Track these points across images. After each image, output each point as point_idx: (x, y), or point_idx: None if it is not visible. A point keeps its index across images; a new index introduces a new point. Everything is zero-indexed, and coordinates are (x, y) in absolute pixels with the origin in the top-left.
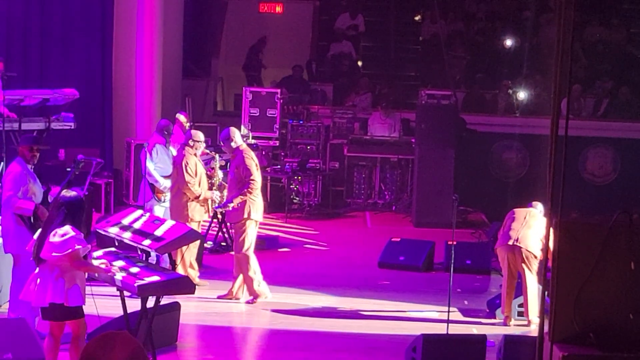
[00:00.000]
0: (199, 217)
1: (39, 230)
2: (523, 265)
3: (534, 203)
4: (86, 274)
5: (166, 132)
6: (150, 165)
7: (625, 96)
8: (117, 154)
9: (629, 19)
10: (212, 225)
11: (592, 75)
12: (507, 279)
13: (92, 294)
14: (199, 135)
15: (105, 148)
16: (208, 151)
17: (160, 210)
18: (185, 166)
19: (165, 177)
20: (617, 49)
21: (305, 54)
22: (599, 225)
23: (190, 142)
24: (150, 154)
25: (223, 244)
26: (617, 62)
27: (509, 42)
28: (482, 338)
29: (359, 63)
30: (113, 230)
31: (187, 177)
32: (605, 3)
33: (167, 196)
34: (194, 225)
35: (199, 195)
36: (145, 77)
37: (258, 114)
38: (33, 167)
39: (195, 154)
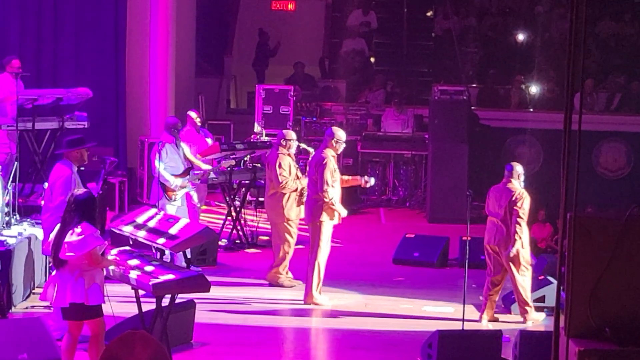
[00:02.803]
0: (294, 216)
1: (55, 231)
2: (507, 262)
3: (513, 165)
4: (104, 271)
5: (175, 130)
6: (160, 165)
7: (638, 90)
8: (131, 152)
9: None
10: (227, 222)
11: (604, 70)
12: (494, 275)
13: (108, 295)
14: (291, 134)
15: (119, 147)
16: (304, 145)
17: (172, 209)
18: (279, 165)
19: (177, 175)
20: (630, 43)
21: (318, 51)
22: (613, 219)
23: (283, 142)
24: (160, 154)
25: (237, 241)
26: (629, 56)
27: (521, 37)
28: (498, 333)
29: (372, 59)
30: (127, 229)
31: (280, 178)
32: None
33: (179, 195)
34: (291, 225)
35: (297, 189)
36: (158, 75)
37: (271, 111)
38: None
39: (288, 154)
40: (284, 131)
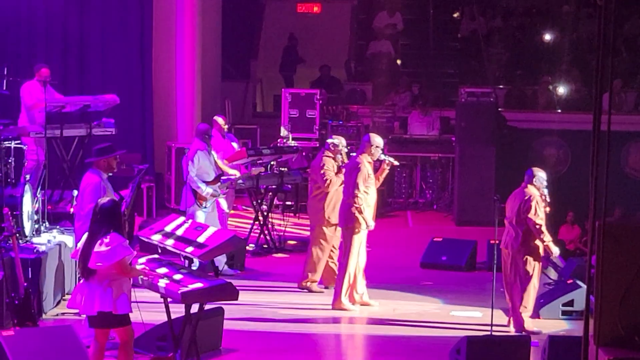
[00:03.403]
0: (335, 220)
1: (83, 241)
2: (514, 265)
3: (534, 170)
4: (131, 280)
5: (207, 137)
6: (191, 172)
7: None
8: (158, 158)
9: None
10: (254, 227)
11: (632, 70)
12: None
13: (137, 301)
14: (340, 141)
15: (147, 152)
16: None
17: (202, 215)
18: (322, 167)
19: (208, 182)
20: None
21: (344, 53)
22: None
23: (331, 147)
24: (192, 161)
25: (265, 246)
26: None
27: (548, 38)
28: (527, 339)
29: (398, 62)
30: (156, 238)
31: (324, 173)
32: None
33: (209, 202)
34: (330, 229)
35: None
36: (184, 80)
37: (297, 115)
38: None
39: (334, 159)
40: (334, 137)
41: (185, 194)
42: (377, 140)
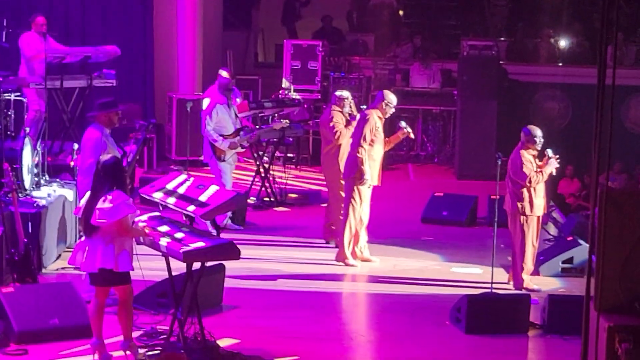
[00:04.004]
0: None
1: (86, 197)
2: (512, 225)
3: (530, 129)
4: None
5: (227, 91)
6: (208, 126)
7: None
8: (159, 108)
9: None
10: (256, 180)
11: (634, 23)
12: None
13: (137, 254)
14: (345, 93)
15: (147, 103)
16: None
17: (227, 167)
18: (331, 120)
19: (226, 136)
20: None
21: (346, 3)
22: None
23: (338, 100)
24: (210, 114)
25: (266, 199)
26: None
27: None
28: (526, 297)
29: (400, 12)
30: (157, 195)
31: (335, 126)
32: None
33: (228, 155)
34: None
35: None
36: (186, 30)
37: (299, 66)
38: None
39: (341, 112)
40: (338, 91)
41: (205, 146)
42: (391, 97)
